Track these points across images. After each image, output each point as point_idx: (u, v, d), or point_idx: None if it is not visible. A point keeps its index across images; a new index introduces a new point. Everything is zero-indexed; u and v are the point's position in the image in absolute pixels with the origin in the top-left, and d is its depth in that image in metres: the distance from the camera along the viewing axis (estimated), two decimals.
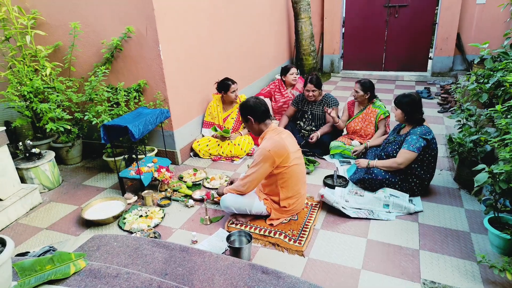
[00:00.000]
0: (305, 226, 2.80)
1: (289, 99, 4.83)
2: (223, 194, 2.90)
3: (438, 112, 5.39)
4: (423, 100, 5.97)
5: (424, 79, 7.20)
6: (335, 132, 4.18)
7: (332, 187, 3.33)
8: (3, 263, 1.47)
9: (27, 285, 1.61)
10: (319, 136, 4.03)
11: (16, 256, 2.44)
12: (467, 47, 6.80)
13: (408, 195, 3.08)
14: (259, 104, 2.76)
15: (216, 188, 3.43)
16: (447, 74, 7.05)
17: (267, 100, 4.89)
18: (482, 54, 3.17)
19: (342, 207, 2.93)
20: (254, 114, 2.75)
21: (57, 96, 3.60)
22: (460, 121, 3.45)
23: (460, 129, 3.36)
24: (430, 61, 7.36)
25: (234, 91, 4.20)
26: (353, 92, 3.93)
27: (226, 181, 3.54)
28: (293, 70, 4.82)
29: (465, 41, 6.81)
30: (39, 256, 2.29)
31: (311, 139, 4.02)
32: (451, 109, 5.36)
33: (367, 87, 3.85)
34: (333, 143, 3.98)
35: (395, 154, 3.13)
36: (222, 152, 4.11)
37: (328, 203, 2.96)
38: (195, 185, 3.52)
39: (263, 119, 2.77)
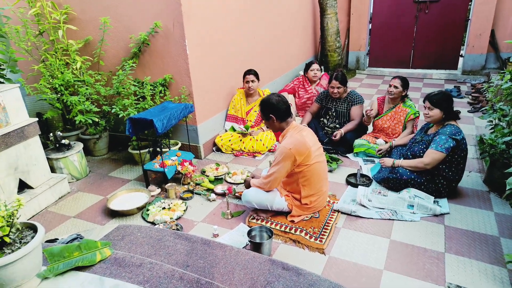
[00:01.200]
0: (326, 224, 2.77)
1: (313, 95, 4.79)
2: (249, 185, 2.92)
3: (468, 111, 5.20)
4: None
5: (454, 77, 6.95)
6: (360, 129, 4.11)
7: (355, 185, 3.28)
8: (34, 248, 1.53)
9: (56, 270, 1.67)
10: (343, 133, 3.97)
11: (45, 242, 2.54)
12: (501, 44, 6.51)
13: (433, 197, 2.99)
14: (281, 102, 2.72)
15: (238, 183, 3.45)
16: (479, 72, 6.78)
17: (290, 96, 4.86)
18: None
19: (364, 206, 2.89)
20: (275, 113, 2.72)
21: (86, 89, 3.71)
22: (492, 121, 3.31)
23: (492, 130, 3.23)
24: (461, 59, 7.10)
25: (248, 81, 4.21)
26: (390, 88, 3.79)
27: (248, 176, 3.55)
28: (314, 66, 4.76)
29: (499, 38, 6.52)
30: (67, 243, 2.38)
31: (335, 137, 3.97)
32: (482, 109, 5.14)
33: (406, 83, 3.76)
34: (357, 141, 3.92)
35: (422, 154, 3.04)
36: (244, 148, 4.12)
37: (347, 213, 2.92)
38: (217, 180, 3.56)
39: (284, 118, 2.74)
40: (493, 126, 3.28)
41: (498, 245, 2.50)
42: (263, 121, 2.93)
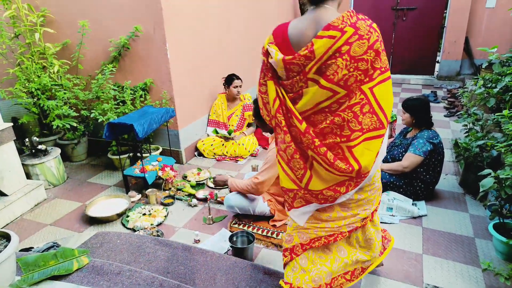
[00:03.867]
0: None
1: None
2: (222, 184, 2.86)
3: (445, 116, 5.35)
4: (430, 104, 5.94)
5: (431, 82, 7.16)
6: None
7: None
8: (7, 258, 1.48)
9: (31, 280, 1.62)
10: None
11: (20, 251, 2.46)
12: (475, 51, 6.76)
13: (411, 200, 3.06)
14: None
15: (220, 188, 3.42)
16: (454, 78, 7.00)
17: None
18: (491, 59, 3.15)
19: None
20: None
21: (64, 93, 3.63)
22: (466, 125, 3.42)
23: (467, 134, 3.34)
24: (437, 65, 7.32)
25: (236, 86, 4.22)
26: None
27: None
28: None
29: (473, 45, 6.76)
30: (43, 251, 2.31)
31: None
32: (458, 113, 5.32)
33: None
34: None
35: (401, 158, 3.11)
36: (227, 152, 4.11)
37: None
38: (199, 185, 3.53)
39: None
40: (467, 130, 3.39)
41: (473, 245, 2.58)
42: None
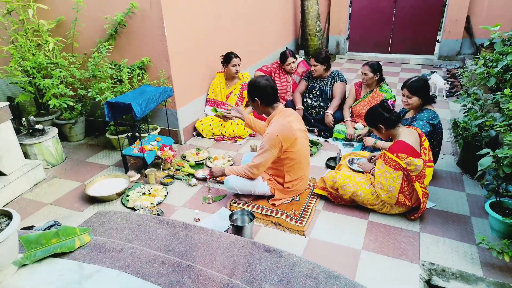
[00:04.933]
0: (306, 206, 2.82)
1: (286, 85, 4.72)
2: (221, 175, 2.89)
3: (444, 96, 5.33)
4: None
5: (431, 62, 7.09)
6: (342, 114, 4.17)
7: (334, 169, 3.33)
8: (9, 235, 1.49)
9: (33, 258, 1.64)
10: (332, 114, 4.05)
11: (21, 229, 2.47)
12: (476, 30, 6.67)
13: None
14: (268, 87, 2.65)
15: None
16: (455, 58, 6.94)
17: None
18: (492, 37, 3.10)
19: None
20: (261, 96, 2.67)
21: (60, 72, 3.57)
22: (466, 105, 3.41)
23: (466, 114, 3.33)
24: (437, 44, 7.23)
25: (235, 65, 4.16)
26: (361, 75, 3.87)
27: (229, 161, 3.55)
28: (290, 59, 4.56)
29: (474, 24, 6.66)
30: (44, 230, 2.33)
31: (331, 123, 4.03)
32: (457, 93, 5.30)
33: (376, 68, 3.80)
34: (337, 127, 3.97)
35: None
36: (225, 132, 4.10)
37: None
38: (198, 165, 3.54)
39: (270, 102, 2.70)
40: (466, 110, 3.38)
41: (469, 224, 2.62)
42: (245, 102, 2.87)
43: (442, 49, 7.00)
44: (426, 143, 2.63)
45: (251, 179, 2.75)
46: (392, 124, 2.62)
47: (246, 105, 4.41)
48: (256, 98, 2.69)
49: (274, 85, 2.71)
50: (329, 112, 4.05)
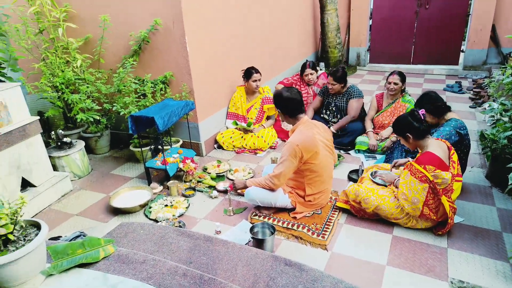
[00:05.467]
0: (328, 220, 2.78)
1: (306, 97, 4.70)
2: (242, 187, 2.90)
3: (470, 107, 5.19)
4: (454, 94, 5.77)
5: (455, 72, 6.94)
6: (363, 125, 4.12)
7: (357, 182, 3.28)
8: (38, 246, 1.53)
9: (60, 267, 1.68)
10: (334, 132, 4.03)
11: (49, 239, 2.55)
12: (502, 39, 6.49)
13: None
14: (291, 99, 2.67)
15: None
16: (480, 67, 6.76)
17: None
18: None
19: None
20: (285, 108, 2.70)
21: (87, 87, 3.71)
22: (493, 116, 3.30)
23: (494, 125, 3.22)
24: (462, 54, 7.08)
25: (255, 80, 4.19)
26: (388, 85, 3.81)
27: (249, 173, 3.55)
28: (308, 70, 4.57)
29: (500, 32, 6.49)
30: (70, 240, 2.39)
31: None
32: (484, 104, 5.15)
33: (404, 77, 3.78)
34: (359, 138, 3.92)
35: None
36: (246, 144, 4.12)
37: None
38: (219, 177, 3.56)
39: (294, 114, 2.72)
40: (494, 121, 3.27)
41: (500, 239, 2.50)
42: (266, 116, 2.89)
43: (467, 59, 6.84)
44: (455, 157, 2.54)
45: (272, 190, 2.74)
46: (421, 135, 2.53)
47: (267, 118, 4.43)
48: (278, 110, 2.74)
49: (297, 96, 2.71)
50: (332, 129, 4.02)
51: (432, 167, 2.39)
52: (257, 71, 4.20)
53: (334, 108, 4.22)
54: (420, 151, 2.62)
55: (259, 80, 4.23)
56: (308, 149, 2.59)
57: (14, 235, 1.54)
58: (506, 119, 3.21)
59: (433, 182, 2.40)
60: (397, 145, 3.56)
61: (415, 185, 2.45)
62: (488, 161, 3.21)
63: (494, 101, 3.56)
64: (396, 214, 2.59)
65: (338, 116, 4.20)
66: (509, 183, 2.18)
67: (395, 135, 2.63)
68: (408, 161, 2.91)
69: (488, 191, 3.09)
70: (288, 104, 2.69)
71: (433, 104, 2.94)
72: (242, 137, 4.17)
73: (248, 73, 4.21)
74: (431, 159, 2.42)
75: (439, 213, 2.51)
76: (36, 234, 1.59)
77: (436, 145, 2.51)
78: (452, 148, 2.58)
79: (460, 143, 2.88)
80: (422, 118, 2.55)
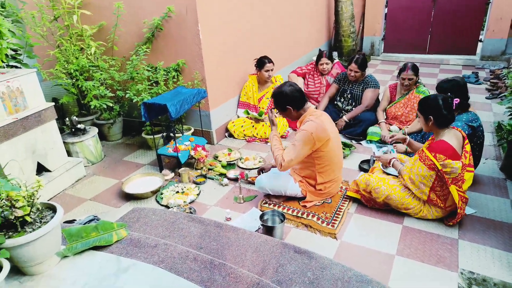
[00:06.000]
0: (338, 209, 2.78)
1: (319, 87, 4.67)
2: (272, 122, 2.84)
3: (486, 98, 5.07)
4: (470, 85, 5.64)
5: (472, 63, 6.77)
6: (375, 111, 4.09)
7: (367, 172, 3.26)
8: (54, 228, 1.58)
9: (74, 249, 1.73)
10: (346, 121, 4.05)
11: (64, 223, 2.61)
12: None
13: None
14: (295, 92, 2.65)
15: (250, 169, 3.46)
16: (499, 58, 6.58)
17: (300, 79, 4.76)
18: None
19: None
20: (292, 103, 2.67)
21: (101, 74, 3.75)
22: (511, 107, 3.23)
23: (511, 116, 3.15)
24: (480, 44, 6.89)
25: (268, 70, 4.16)
26: (404, 81, 3.70)
27: (260, 162, 3.56)
28: (323, 60, 4.52)
29: None
30: (84, 224, 2.44)
31: (339, 127, 4.02)
32: (501, 95, 5.03)
33: (417, 69, 3.70)
34: (371, 129, 3.88)
35: None
36: (257, 134, 4.12)
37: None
38: (230, 165, 3.58)
39: (301, 106, 2.70)
40: (511, 112, 3.20)
41: None
42: (279, 113, 2.84)
43: (485, 49, 6.66)
44: (468, 147, 2.49)
45: (277, 167, 2.67)
46: (444, 124, 2.44)
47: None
48: (288, 107, 2.69)
49: (299, 88, 2.70)
50: (344, 118, 4.05)
51: (443, 156, 2.35)
52: (270, 61, 4.17)
53: (349, 96, 4.19)
54: (434, 136, 2.57)
55: (272, 70, 4.20)
56: (321, 137, 2.58)
57: (31, 217, 1.59)
58: None
59: (441, 171, 2.37)
60: (409, 136, 3.52)
61: (423, 171, 2.44)
62: (503, 153, 3.15)
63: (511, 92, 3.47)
64: (407, 204, 2.58)
65: (353, 104, 4.17)
66: None
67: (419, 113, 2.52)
68: (405, 138, 2.94)
69: (502, 183, 3.04)
70: (295, 97, 2.65)
71: (464, 98, 2.83)
72: (253, 126, 4.17)
73: (261, 62, 4.18)
74: (443, 149, 2.37)
75: (448, 202, 2.49)
76: (52, 217, 1.63)
77: (452, 134, 2.46)
78: (467, 137, 2.53)
79: (473, 136, 2.83)
80: (454, 107, 2.42)
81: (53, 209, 1.71)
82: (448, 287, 2.07)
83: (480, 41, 6.88)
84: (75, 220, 2.64)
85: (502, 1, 6.21)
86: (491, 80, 5.59)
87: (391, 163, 2.79)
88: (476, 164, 2.99)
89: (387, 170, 2.91)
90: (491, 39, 6.53)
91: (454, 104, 2.42)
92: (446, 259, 2.27)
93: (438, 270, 2.19)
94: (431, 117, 2.44)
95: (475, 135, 2.85)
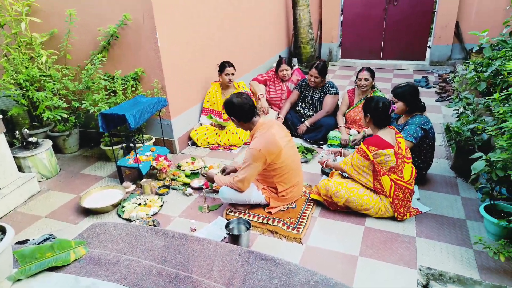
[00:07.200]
0: (303, 214, 2.82)
1: (280, 93, 4.75)
2: (212, 178, 2.89)
3: (436, 101, 5.39)
4: (421, 89, 5.97)
5: (422, 68, 7.18)
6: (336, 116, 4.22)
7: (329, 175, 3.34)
8: (3, 250, 1.47)
9: (28, 272, 1.62)
10: (308, 126, 4.15)
11: (16, 243, 2.44)
12: (465, 35, 6.78)
13: None
14: (243, 104, 2.66)
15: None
16: (445, 63, 7.04)
17: (262, 86, 4.81)
18: (481, 43, 3.15)
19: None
20: (237, 115, 2.70)
21: (54, 84, 3.57)
22: (458, 110, 3.45)
23: (458, 118, 3.37)
24: (428, 50, 7.33)
25: (228, 74, 4.17)
26: (359, 81, 3.88)
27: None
28: (283, 66, 4.60)
29: (464, 29, 6.78)
30: (39, 243, 2.30)
31: (300, 131, 4.14)
32: (449, 98, 5.37)
33: (373, 72, 3.88)
34: (331, 133, 3.99)
35: None
36: (220, 141, 4.10)
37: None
38: (193, 174, 3.53)
39: (248, 118, 2.72)
40: (458, 114, 3.42)
41: (464, 227, 2.63)
42: (229, 118, 2.86)
43: (433, 55, 7.09)
44: (402, 142, 2.71)
45: (237, 190, 2.75)
46: (380, 124, 2.73)
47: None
48: (232, 117, 2.73)
49: (249, 101, 2.73)
50: (306, 123, 4.17)
51: (375, 148, 2.59)
52: (230, 65, 4.18)
53: (310, 102, 4.29)
54: (372, 133, 2.83)
55: (233, 74, 4.21)
56: (271, 152, 2.61)
57: None
58: (469, 112, 3.37)
59: (373, 161, 2.61)
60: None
61: (360, 162, 2.70)
62: (453, 153, 3.35)
63: (458, 95, 3.72)
64: (366, 204, 2.68)
65: (314, 109, 4.27)
66: (472, 173, 2.29)
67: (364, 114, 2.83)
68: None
69: (453, 181, 3.24)
70: (241, 110, 2.68)
71: (417, 101, 3.05)
72: (216, 133, 4.15)
73: (222, 66, 4.19)
74: (376, 142, 2.62)
75: (391, 191, 2.65)
76: (1, 239, 1.52)
77: (387, 132, 2.72)
78: (399, 133, 2.79)
79: (425, 137, 3.00)
80: (390, 112, 2.70)
81: (2, 230, 1.60)
82: (408, 283, 2.16)
83: (429, 47, 7.32)
84: (28, 240, 2.48)
85: (446, 9, 6.66)
86: (439, 84, 5.95)
87: (324, 164, 3.09)
88: (429, 164, 3.16)
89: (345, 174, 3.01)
90: (438, 46, 6.97)
91: (392, 109, 2.71)
92: (406, 257, 2.37)
93: (399, 268, 2.28)
94: (370, 116, 2.73)
95: (427, 137, 3.01)
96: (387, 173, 2.62)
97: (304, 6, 6.75)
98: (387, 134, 2.69)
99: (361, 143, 2.72)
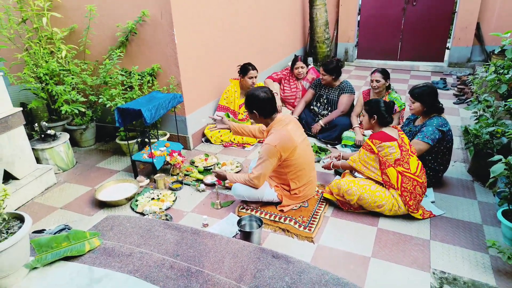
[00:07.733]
0: (315, 213, 2.80)
1: (295, 92, 4.73)
2: (225, 176, 2.89)
3: (454, 103, 5.29)
4: (439, 91, 5.85)
5: (441, 69, 7.05)
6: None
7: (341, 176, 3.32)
8: (21, 238, 1.51)
9: (44, 261, 1.66)
10: (322, 125, 4.13)
11: (33, 233, 2.51)
12: (486, 37, 6.62)
13: None
14: (266, 100, 2.66)
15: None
16: (465, 64, 6.89)
17: (276, 85, 4.80)
18: (503, 44, 3.08)
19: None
20: (260, 109, 2.69)
21: (72, 78, 3.64)
22: (476, 112, 3.38)
23: (477, 121, 3.30)
24: (447, 51, 7.19)
25: (251, 77, 4.15)
26: (372, 83, 3.84)
27: (237, 167, 3.55)
28: (299, 63, 4.60)
29: (485, 30, 6.62)
30: (55, 233, 2.35)
31: (314, 130, 4.12)
32: (468, 100, 5.25)
33: (387, 74, 3.81)
34: (345, 133, 3.96)
35: None
36: (234, 139, 4.11)
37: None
38: (207, 170, 3.55)
39: (268, 114, 2.72)
40: (477, 117, 3.35)
41: (481, 232, 2.57)
42: (247, 113, 2.86)
43: (452, 56, 6.95)
44: (405, 138, 2.75)
45: (252, 187, 2.75)
46: (383, 123, 2.78)
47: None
48: (254, 111, 2.71)
49: (272, 96, 2.71)
50: (320, 123, 4.14)
51: (379, 141, 2.66)
52: (253, 68, 4.16)
53: (325, 101, 4.26)
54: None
55: (256, 77, 4.18)
56: (286, 148, 2.60)
57: None
58: (488, 115, 3.29)
59: (378, 154, 2.66)
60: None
61: (367, 156, 2.74)
62: (470, 156, 3.28)
63: (477, 97, 3.64)
64: (379, 200, 2.65)
65: (329, 109, 4.24)
66: (490, 177, 2.23)
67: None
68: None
69: (470, 185, 3.17)
70: (266, 105, 2.67)
71: (435, 102, 3.00)
72: (230, 131, 4.15)
73: (245, 69, 4.16)
74: (380, 136, 2.70)
75: (398, 183, 2.65)
76: (20, 227, 1.57)
77: (390, 130, 2.77)
78: (402, 131, 2.82)
79: (443, 139, 2.94)
80: (393, 112, 2.80)
81: (20, 219, 1.64)
82: (422, 287, 2.12)
83: (448, 48, 7.17)
84: (44, 230, 2.54)
85: (466, 11, 6.51)
86: (458, 86, 5.83)
87: (331, 165, 3.13)
88: (446, 167, 3.10)
89: (356, 174, 2.99)
90: (457, 47, 6.83)
91: (394, 110, 2.79)
92: (419, 260, 2.33)
93: (411, 270, 2.25)
94: (374, 115, 2.77)
95: (444, 139, 2.95)
96: (392, 165, 2.64)
97: (321, 5, 6.71)
98: (391, 131, 2.76)
99: (367, 139, 2.76)
